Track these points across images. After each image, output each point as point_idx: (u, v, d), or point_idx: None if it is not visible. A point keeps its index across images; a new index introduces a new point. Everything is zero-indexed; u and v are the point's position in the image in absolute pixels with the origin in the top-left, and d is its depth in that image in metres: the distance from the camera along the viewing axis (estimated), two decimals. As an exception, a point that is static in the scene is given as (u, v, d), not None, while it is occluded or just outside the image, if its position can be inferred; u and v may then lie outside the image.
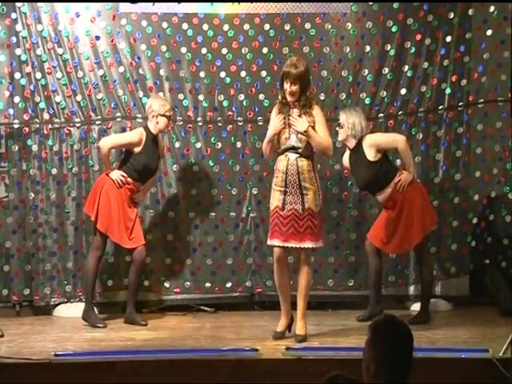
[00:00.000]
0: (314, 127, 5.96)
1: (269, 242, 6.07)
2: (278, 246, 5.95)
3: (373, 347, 3.02)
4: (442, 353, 5.65)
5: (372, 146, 6.68)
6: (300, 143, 5.93)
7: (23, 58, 7.07)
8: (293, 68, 5.90)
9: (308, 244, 5.96)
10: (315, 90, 7.17)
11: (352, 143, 6.72)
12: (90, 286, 6.73)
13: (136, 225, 6.75)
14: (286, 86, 5.91)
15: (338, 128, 6.71)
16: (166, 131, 7.00)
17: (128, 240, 6.71)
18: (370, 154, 6.67)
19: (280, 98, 6.02)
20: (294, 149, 5.94)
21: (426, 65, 7.34)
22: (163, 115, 6.72)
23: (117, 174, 6.72)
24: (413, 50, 7.33)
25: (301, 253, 5.99)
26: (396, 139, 6.77)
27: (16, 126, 7.09)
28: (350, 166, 6.85)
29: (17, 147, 7.09)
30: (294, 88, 5.89)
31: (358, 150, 6.71)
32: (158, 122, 6.73)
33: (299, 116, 5.94)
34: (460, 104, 7.37)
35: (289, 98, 5.93)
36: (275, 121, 5.97)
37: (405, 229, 6.68)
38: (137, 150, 6.73)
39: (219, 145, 7.32)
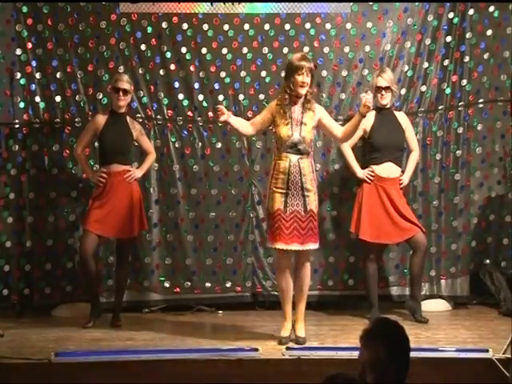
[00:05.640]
0: (319, 123, 6.00)
1: (271, 245, 6.03)
2: (282, 250, 5.93)
3: (368, 348, 3.01)
4: (442, 353, 5.65)
5: (406, 120, 6.94)
6: (303, 141, 5.91)
7: (23, 58, 7.07)
8: (307, 61, 5.94)
9: (310, 246, 5.96)
10: (316, 90, 7.21)
11: (390, 103, 6.86)
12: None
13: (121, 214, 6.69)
14: (299, 77, 5.88)
15: (383, 92, 6.75)
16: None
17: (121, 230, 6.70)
18: (403, 123, 6.87)
19: (285, 91, 5.97)
20: (295, 147, 5.92)
21: (426, 65, 7.35)
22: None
23: (94, 175, 6.74)
24: (413, 49, 7.33)
25: (302, 255, 5.98)
26: (416, 144, 7.01)
27: (16, 126, 7.10)
28: (375, 126, 6.77)
29: (17, 147, 7.10)
30: (308, 79, 5.90)
31: (389, 113, 6.86)
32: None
33: (303, 112, 5.94)
34: (460, 104, 7.38)
35: (300, 90, 5.89)
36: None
37: (397, 219, 6.71)
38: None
39: (219, 145, 7.32)
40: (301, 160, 5.92)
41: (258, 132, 6.33)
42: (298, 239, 5.90)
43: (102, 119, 6.75)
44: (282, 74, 6.93)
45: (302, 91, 5.91)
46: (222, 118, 5.95)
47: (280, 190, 5.92)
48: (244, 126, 6.10)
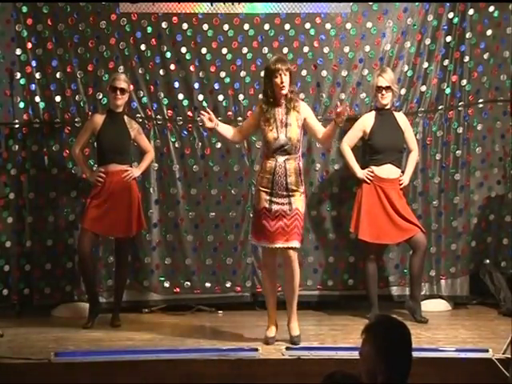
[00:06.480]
0: (304, 122, 6.00)
1: (255, 242, 6.16)
2: (267, 248, 5.95)
3: (370, 347, 3.00)
4: (442, 353, 5.65)
5: (406, 121, 6.92)
6: (289, 142, 5.91)
7: (23, 58, 7.07)
8: (282, 62, 5.94)
9: (295, 243, 5.92)
10: (315, 90, 7.24)
11: (390, 103, 6.85)
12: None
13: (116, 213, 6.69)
14: (277, 79, 5.89)
15: (384, 92, 6.75)
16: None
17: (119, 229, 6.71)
18: (402, 124, 6.85)
19: (267, 95, 5.99)
20: (282, 148, 5.92)
21: (425, 65, 7.35)
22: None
23: (93, 175, 6.74)
24: (413, 49, 7.33)
25: (289, 253, 5.93)
26: (416, 144, 7.00)
27: (16, 126, 7.10)
28: (375, 128, 6.77)
29: (17, 147, 7.10)
30: (286, 79, 5.90)
31: (388, 114, 6.85)
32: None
33: (287, 113, 5.94)
34: (460, 104, 7.38)
35: (281, 92, 5.91)
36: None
37: (397, 219, 6.72)
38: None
39: (219, 145, 7.31)
40: (287, 161, 5.92)
41: (247, 138, 6.55)
42: (283, 237, 5.88)
43: (99, 119, 6.75)
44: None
45: (283, 92, 5.92)
46: (209, 125, 6.00)
47: (265, 189, 5.94)
48: (231, 134, 6.16)
